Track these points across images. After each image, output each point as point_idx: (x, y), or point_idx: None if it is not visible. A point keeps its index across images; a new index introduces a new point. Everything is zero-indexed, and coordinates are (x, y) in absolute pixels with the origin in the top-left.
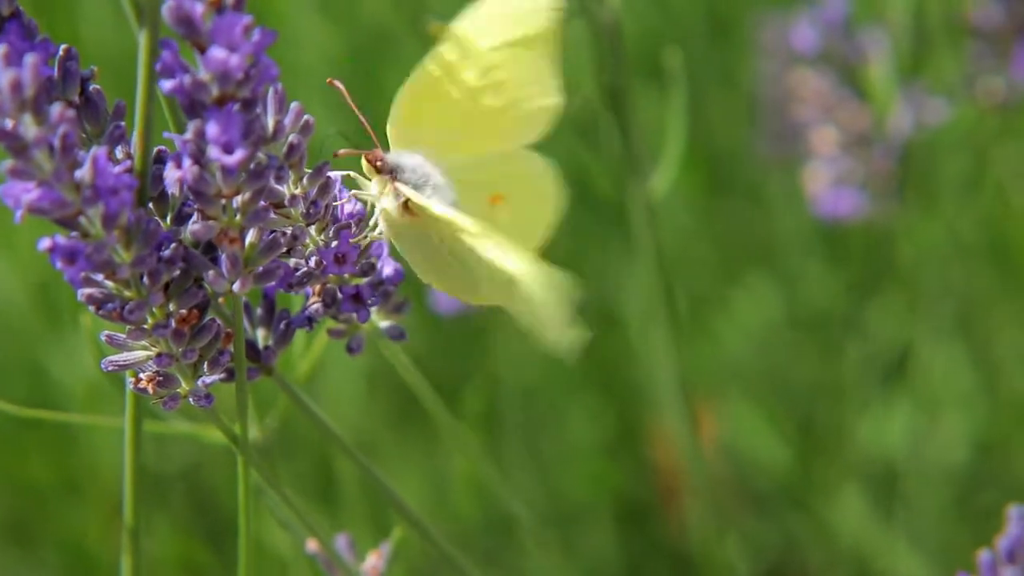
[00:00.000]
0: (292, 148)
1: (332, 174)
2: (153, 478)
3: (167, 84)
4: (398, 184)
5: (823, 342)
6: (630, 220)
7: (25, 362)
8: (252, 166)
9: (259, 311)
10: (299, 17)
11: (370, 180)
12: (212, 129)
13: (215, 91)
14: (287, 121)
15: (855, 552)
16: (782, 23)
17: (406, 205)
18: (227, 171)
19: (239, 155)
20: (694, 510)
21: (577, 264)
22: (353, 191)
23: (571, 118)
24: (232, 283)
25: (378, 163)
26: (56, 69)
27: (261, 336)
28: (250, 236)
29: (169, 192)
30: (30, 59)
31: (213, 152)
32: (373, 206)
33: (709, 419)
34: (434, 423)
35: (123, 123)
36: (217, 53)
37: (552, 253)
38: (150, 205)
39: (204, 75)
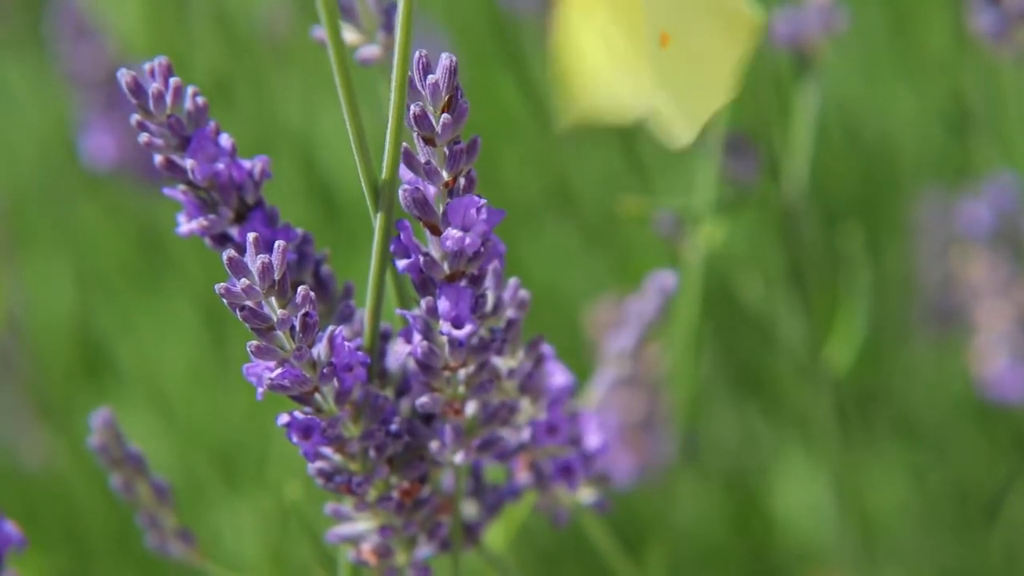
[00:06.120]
0: (511, 323)
1: (545, 347)
2: None
3: (402, 263)
4: None
5: (976, 519)
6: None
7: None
8: (477, 340)
9: (469, 483)
10: None
11: None
12: (443, 304)
13: (447, 269)
14: (506, 296)
15: None
16: (937, 199)
17: None
18: (456, 344)
19: (468, 329)
20: None
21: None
22: None
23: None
24: (454, 454)
25: None
26: (294, 252)
27: (470, 508)
28: (470, 408)
29: (389, 367)
30: (280, 244)
31: (444, 326)
32: None
33: None
34: None
35: (352, 302)
36: (454, 233)
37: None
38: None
39: (436, 253)
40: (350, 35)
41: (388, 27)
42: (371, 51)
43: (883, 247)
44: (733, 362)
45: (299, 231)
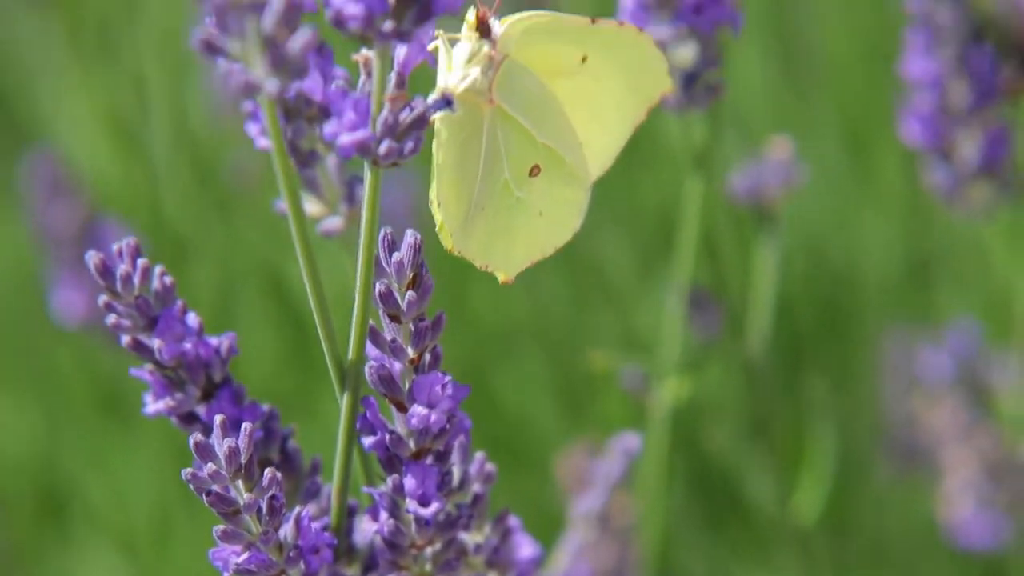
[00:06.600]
0: (477, 498)
1: (512, 520)
2: None
3: (368, 440)
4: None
5: None
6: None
7: None
8: (443, 517)
9: None
10: None
11: (465, 41)
12: (410, 482)
13: (413, 446)
14: (473, 471)
15: None
16: (904, 338)
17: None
18: (423, 523)
19: (434, 507)
20: None
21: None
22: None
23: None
24: None
25: (485, 22)
26: (261, 429)
27: None
28: None
29: (356, 543)
30: (246, 427)
31: (410, 504)
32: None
33: None
34: None
35: (319, 478)
36: (420, 411)
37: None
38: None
39: (402, 431)
40: (312, 207)
41: (350, 199)
42: (334, 223)
43: (848, 382)
44: (702, 505)
45: (265, 407)
